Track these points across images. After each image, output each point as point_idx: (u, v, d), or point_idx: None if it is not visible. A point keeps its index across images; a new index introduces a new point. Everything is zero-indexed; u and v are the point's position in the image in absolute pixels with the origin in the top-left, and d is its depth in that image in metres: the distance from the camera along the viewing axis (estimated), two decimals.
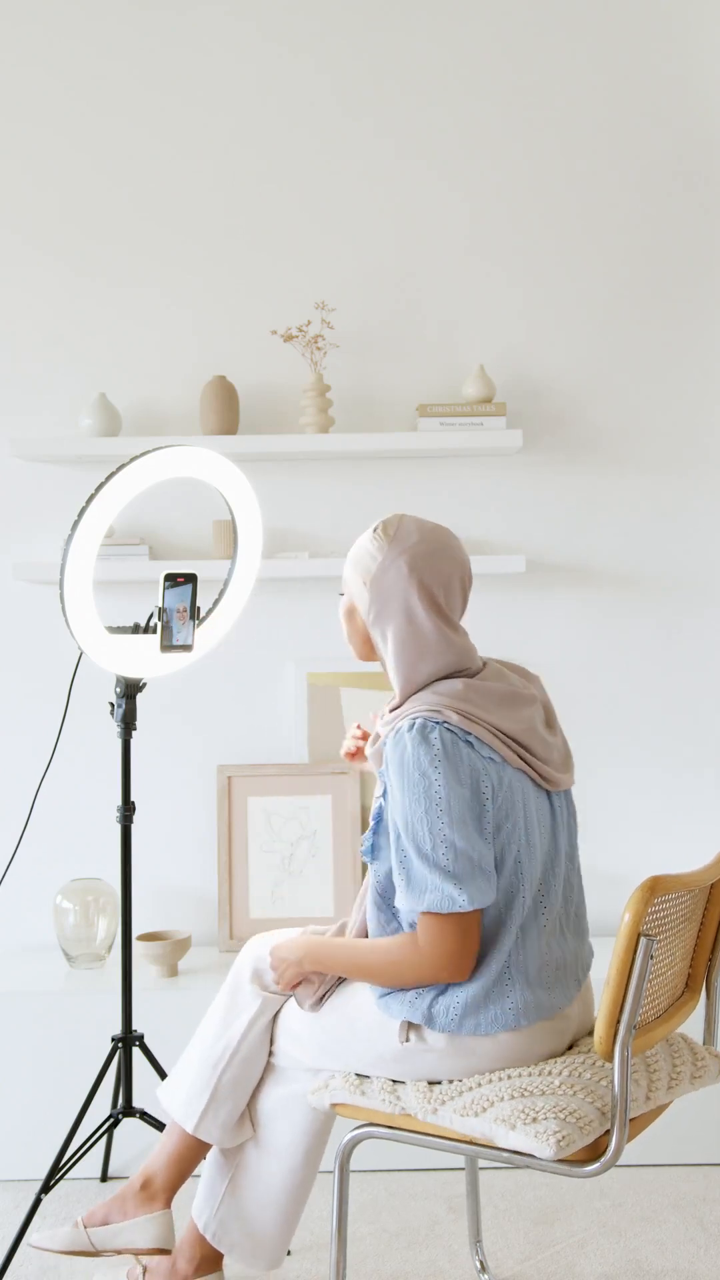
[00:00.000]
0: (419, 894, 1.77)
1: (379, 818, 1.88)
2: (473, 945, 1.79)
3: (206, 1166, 2.10)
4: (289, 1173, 2.05)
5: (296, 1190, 2.06)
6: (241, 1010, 2.05)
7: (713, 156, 3.07)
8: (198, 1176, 2.19)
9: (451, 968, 1.78)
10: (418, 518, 1.95)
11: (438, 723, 1.78)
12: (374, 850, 1.89)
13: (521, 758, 1.86)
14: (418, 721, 1.79)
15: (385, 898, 1.88)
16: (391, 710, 1.91)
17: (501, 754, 1.82)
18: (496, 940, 1.82)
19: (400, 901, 1.80)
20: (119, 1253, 2.07)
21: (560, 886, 1.91)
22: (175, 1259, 2.11)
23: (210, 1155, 2.10)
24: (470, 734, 1.80)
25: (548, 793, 1.92)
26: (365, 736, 2.21)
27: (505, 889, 1.82)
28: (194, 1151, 2.09)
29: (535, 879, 1.85)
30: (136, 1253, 2.06)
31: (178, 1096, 2.07)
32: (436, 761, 1.76)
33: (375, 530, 1.93)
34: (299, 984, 1.99)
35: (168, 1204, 2.09)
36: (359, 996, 1.94)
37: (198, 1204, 2.09)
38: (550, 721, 1.97)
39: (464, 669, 1.90)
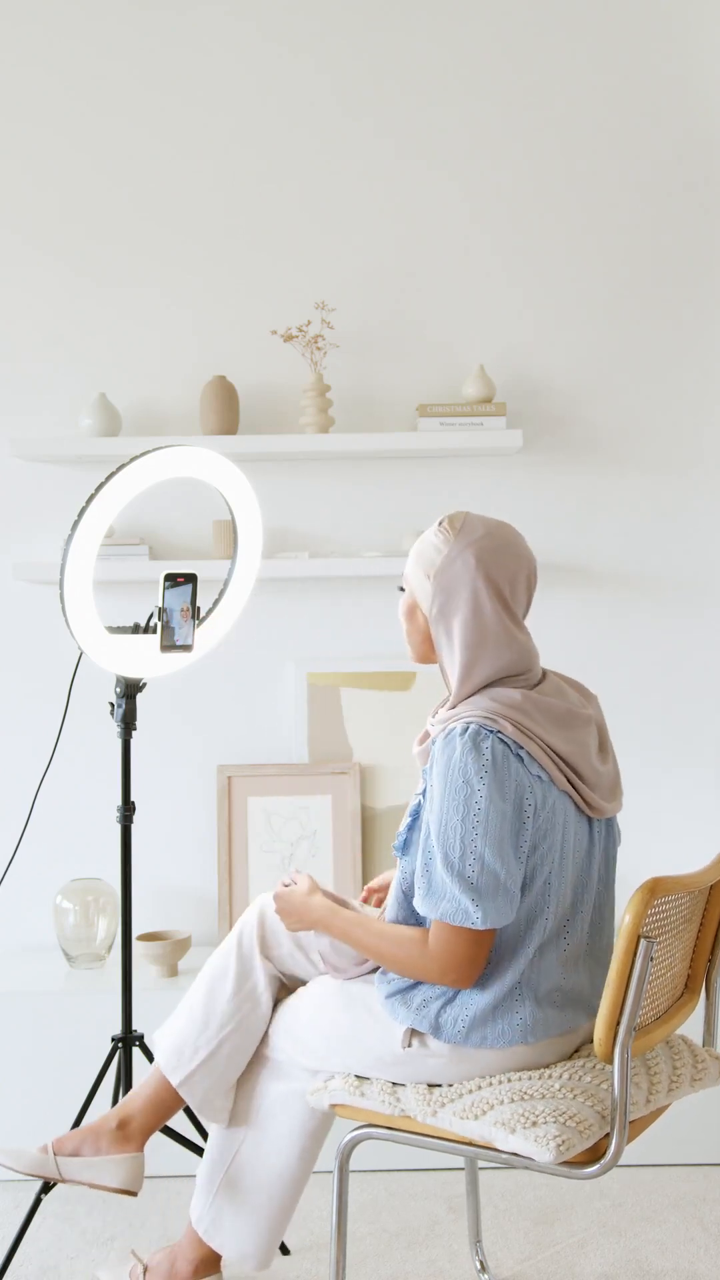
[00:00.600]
0: (436, 901, 1.75)
1: (416, 814, 1.85)
2: (482, 957, 1.77)
3: (203, 1163, 2.09)
4: (283, 1170, 2.04)
5: (290, 1189, 2.05)
6: (248, 978, 2.03)
7: (713, 156, 3.07)
8: (191, 1177, 2.19)
9: (455, 975, 1.77)
10: (482, 515, 1.91)
11: (491, 731, 1.75)
12: (405, 845, 1.86)
13: (569, 780, 1.82)
14: (471, 727, 1.75)
15: (409, 896, 1.86)
16: (448, 709, 1.86)
17: (550, 773, 1.79)
18: (512, 957, 1.80)
19: (418, 903, 1.78)
20: (85, 1185, 2.03)
21: (589, 915, 1.88)
22: (174, 1261, 2.11)
23: (207, 1152, 2.09)
24: (523, 748, 1.76)
25: (589, 819, 1.88)
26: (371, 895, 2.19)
27: (529, 908, 1.80)
28: (176, 1100, 2.06)
29: (563, 904, 1.83)
30: (102, 1189, 2.03)
31: (167, 1046, 2.05)
32: (484, 772, 1.73)
33: (440, 524, 1.89)
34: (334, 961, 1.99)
35: (141, 1147, 2.06)
36: (362, 999, 1.93)
37: (194, 1202, 2.08)
38: (604, 746, 1.93)
39: (524, 671, 1.87)
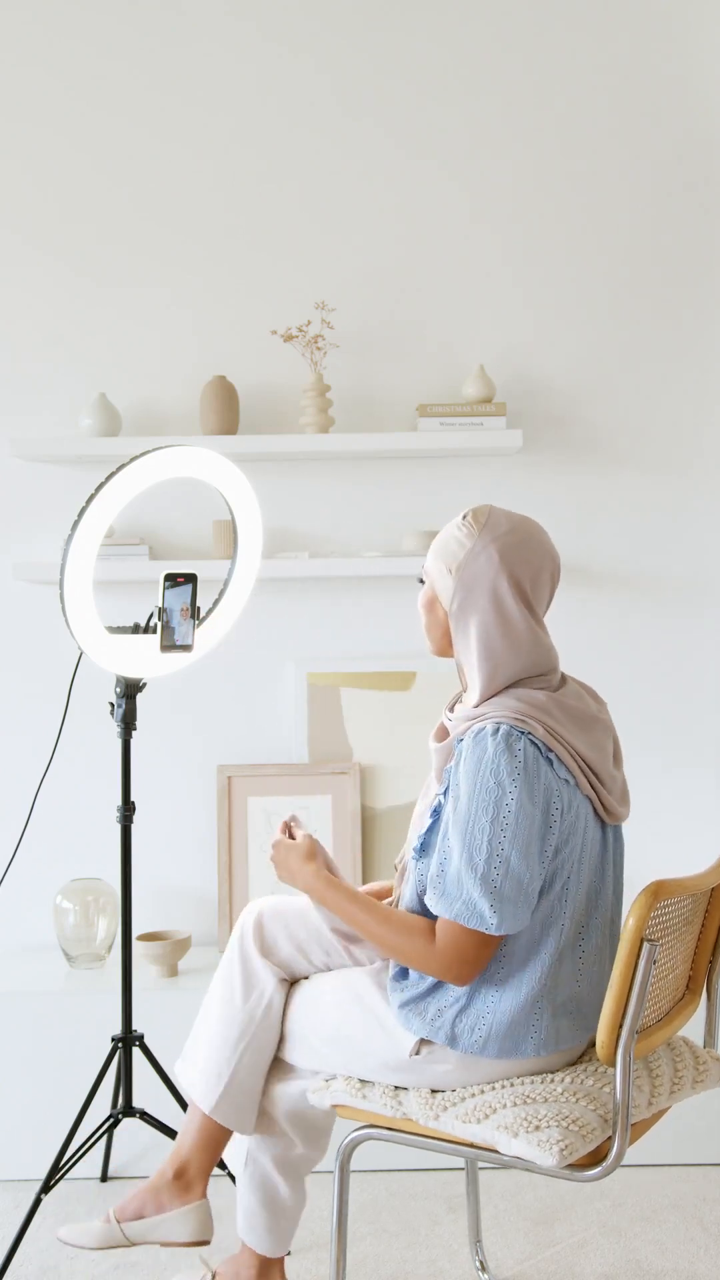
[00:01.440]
0: (450, 901, 1.72)
1: (437, 814, 1.81)
2: (486, 959, 1.75)
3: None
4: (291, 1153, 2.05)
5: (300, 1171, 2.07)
6: (255, 984, 2.00)
7: (713, 156, 3.07)
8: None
9: (456, 974, 1.75)
10: (506, 509, 1.88)
11: (523, 733, 1.73)
12: (425, 848, 1.83)
13: (591, 784, 1.81)
14: (503, 727, 1.73)
15: (422, 897, 1.83)
16: (472, 707, 1.83)
17: (575, 777, 1.78)
18: (530, 963, 1.79)
19: (431, 901, 1.76)
20: (158, 1245, 2.00)
21: (604, 924, 1.86)
22: (237, 1271, 2.08)
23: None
24: (552, 751, 1.75)
25: (603, 824, 1.87)
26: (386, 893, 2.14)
27: (545, 913, 1.78)
28: (223, 1133, 2.02)
29: (579, 910, 1.82)
30: (175, 1246, 1.99)
31: (195, 1076, 2.01)
32: (515, 774, 1.71)
33: (464, 518, 1.86)
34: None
35: (204, 1193, 2.02)
36: (370, 1006, 1.91)
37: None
38: (617, 753, 1.92)
39: (546, 672, 1.86)
